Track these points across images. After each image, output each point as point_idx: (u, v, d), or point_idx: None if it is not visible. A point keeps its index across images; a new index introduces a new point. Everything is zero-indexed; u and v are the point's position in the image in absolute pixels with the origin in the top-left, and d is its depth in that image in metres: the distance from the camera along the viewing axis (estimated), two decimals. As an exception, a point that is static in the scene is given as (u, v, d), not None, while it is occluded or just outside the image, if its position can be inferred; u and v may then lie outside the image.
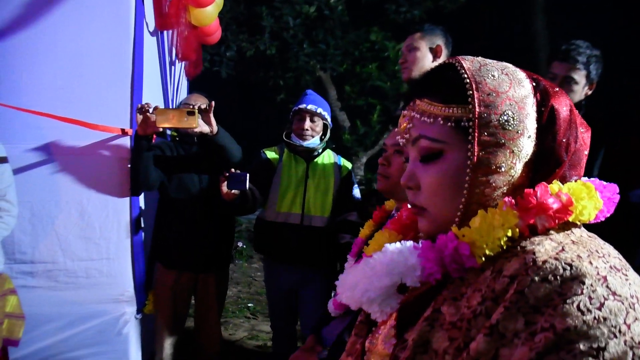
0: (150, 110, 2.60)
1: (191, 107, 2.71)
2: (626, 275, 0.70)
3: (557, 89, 0.85)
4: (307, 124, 2.88)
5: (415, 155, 0.88)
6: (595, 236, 0.80)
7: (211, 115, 2.71)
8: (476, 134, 0.79)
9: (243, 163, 2.91)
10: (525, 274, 0.70)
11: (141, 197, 2.95)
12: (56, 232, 2.75)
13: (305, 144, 2.90)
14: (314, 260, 2.91)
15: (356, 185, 3.02)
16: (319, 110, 2.89)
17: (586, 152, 0.84)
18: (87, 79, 2.70)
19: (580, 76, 2.44)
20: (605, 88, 2.64)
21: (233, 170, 2.61)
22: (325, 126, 2.98)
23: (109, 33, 2.71)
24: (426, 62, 2.59)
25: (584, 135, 0.84)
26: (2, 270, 2.48)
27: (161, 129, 2.70)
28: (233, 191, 2.63)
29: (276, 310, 3.06)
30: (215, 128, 2.73)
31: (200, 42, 4.00)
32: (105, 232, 2.78)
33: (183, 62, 3.92)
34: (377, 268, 0.84)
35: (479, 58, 0.86)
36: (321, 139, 2.97)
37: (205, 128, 2.71)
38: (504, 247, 0.77)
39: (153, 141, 2.77)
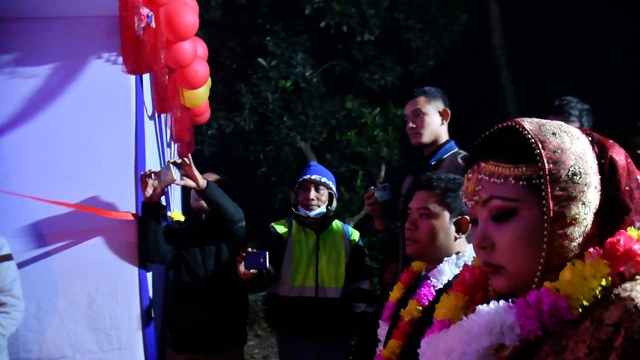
0: (153, 176, 2.65)
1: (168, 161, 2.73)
2: None
3: (611, 141, 0.90)
4: (312, 193, 2.91)
5: (486, 216, 0.90)
6: None
7: (193, 168, 2.66)
8: (549, 190, 0.83)
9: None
10: (630, 320, 0.72)
11: (149, 280, 2.89)
12: (64, 325, 2.66)
13: (311, 214, 2.92)
14: (331, 332, 2.87)
15: (366, 253, 3.03)
16: (323, 179, 2.93)
17: None
18: (92, 166, 2.70)
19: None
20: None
21: (250, 249, 2.58)
22: (330, 195, 3.01)
23: (112, 120, 2.73)
24: (435, 125, 2.63)
25: None
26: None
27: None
28: (251, 270, 2.58)
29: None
30: (202, 182, 2.67)
31: (192, 122, 4.06)
32: (116, 321, 2.69)
33: (177, 144, 3.96)
34: (474, 330, 0.84)
35: (535, 119, 0.91)
36: (327, 209, 2.99)
37: (189, 182, 2.67)
38: (599, 297, 0.79)
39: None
